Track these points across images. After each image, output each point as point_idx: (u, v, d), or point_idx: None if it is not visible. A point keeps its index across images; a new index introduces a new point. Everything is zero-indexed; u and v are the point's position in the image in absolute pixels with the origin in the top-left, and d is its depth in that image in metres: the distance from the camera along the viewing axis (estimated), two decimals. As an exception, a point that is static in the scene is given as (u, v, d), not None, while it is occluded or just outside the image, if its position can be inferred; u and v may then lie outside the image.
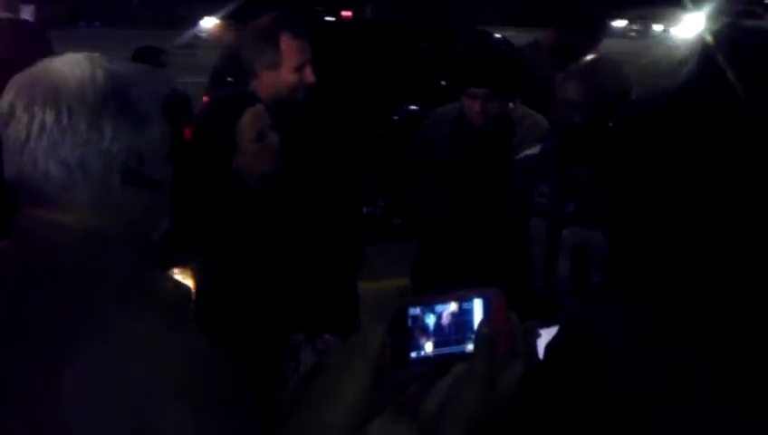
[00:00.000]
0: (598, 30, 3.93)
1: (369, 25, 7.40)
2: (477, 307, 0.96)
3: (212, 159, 2.13)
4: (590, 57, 2.50)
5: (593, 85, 2.33)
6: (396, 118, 6.47)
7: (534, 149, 2.60)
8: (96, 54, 1.19)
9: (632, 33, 35.93)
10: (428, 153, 3.17)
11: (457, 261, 2.86)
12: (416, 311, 0.96)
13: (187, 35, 19.85)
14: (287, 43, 2.51)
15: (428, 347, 0.95)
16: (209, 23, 22.59)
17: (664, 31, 35.06)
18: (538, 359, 1.07)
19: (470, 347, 0.93)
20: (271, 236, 2.22)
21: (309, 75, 2.55)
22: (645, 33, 36.24)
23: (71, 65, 1.15)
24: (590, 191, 2.36)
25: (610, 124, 2.27)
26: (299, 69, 2.53)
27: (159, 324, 1.09)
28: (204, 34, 21.59)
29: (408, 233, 5.72)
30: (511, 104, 2.94)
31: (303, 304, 2.24)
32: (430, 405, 0.89)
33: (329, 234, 2.63)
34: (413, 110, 6.45)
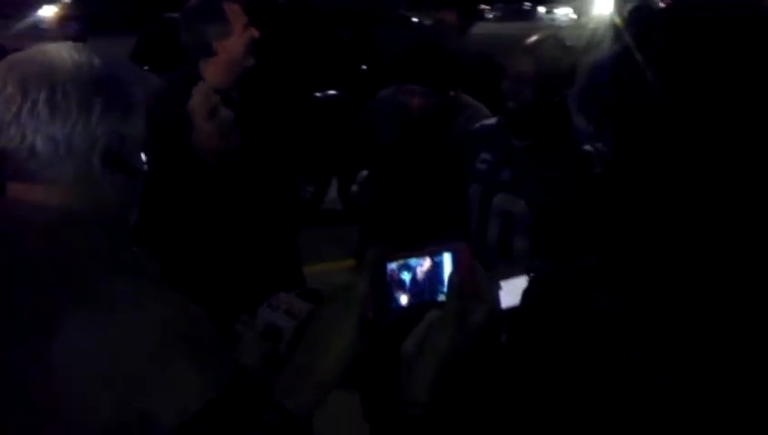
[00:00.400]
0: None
1: (286, 11, 7.29)
2: (447, 260, 1.03)
3: (167, 144, 2.11)
4: (540, 34, 2.53)
5: (544, 60, 2.38)
6: (319, 104, 6.40)
7: (492, 120, 2.65)
8: (89, 45, 1.23)
9: (490, 16, 35.73)
10: (370, 136, 3.15)
11: (400, 242, 2.89)
12: (393, 266, 1.04)
13: (23, 24, 18.34)
14: (230, 9, 2.57)
15: (405, 298, 1.03)
16: (49, 11, 21.20)
17: (548, 12, 35.59)
18: (499, 307, 1.15)
19: (441, 296, 1.01)
20: (227, 209, 2.23)
21: (254, 31, 2.63)
22: (532, 14, 36.74)
23: (68, 50, 1.18)
24: (524, 161, 2.43)
25: (556, 99, 2.38)
26: (246, 28, 2.60)
27: (141, 291, 1.12)
28: (44, 24, 20.32)
29: (339, 218, 5.73)
30: (452, 93, 2.91)
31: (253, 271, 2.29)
32: (409, 345, 0.98)
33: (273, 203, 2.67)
34: (335, 95, 6.40)
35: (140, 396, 1.05)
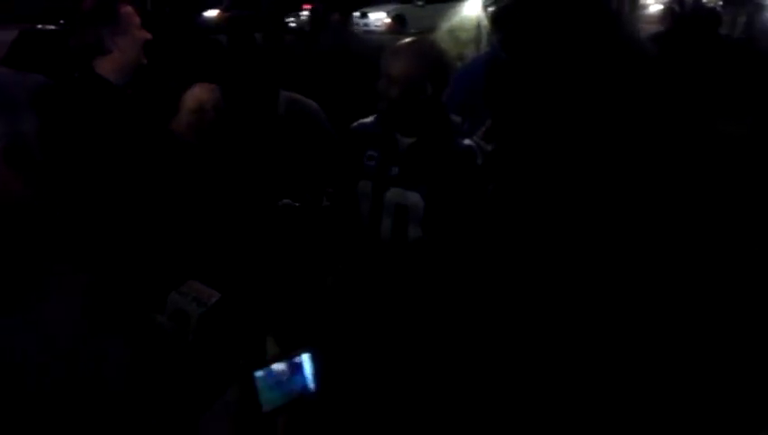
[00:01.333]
0: None
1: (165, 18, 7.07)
2: (306, 359, 1.20)
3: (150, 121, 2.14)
4: (411, 37, 2.57)
5: (409, 62, 2.43)
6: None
7: (369, 118, 2.68)
8: None
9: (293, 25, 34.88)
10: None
11: None
12: (260, 374, 1.16)
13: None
14: (124, 10, 2.66)
15: (279, 398, 1.17)
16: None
17: (362, 16, 35.82)
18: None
19: (310, 388, 1.19)
20: (201, 188, 2.29)
21: (146, 33, 2.73)
22: (350, 21, 36.80)
23: None
24: (411, 157, 2.53)
25: (422, 98, 2.44)
26: (140, 29, 2.68)
27: (64, 271, 1.17)
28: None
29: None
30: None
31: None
32: None
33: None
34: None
35: (82, 358, 1.11)
